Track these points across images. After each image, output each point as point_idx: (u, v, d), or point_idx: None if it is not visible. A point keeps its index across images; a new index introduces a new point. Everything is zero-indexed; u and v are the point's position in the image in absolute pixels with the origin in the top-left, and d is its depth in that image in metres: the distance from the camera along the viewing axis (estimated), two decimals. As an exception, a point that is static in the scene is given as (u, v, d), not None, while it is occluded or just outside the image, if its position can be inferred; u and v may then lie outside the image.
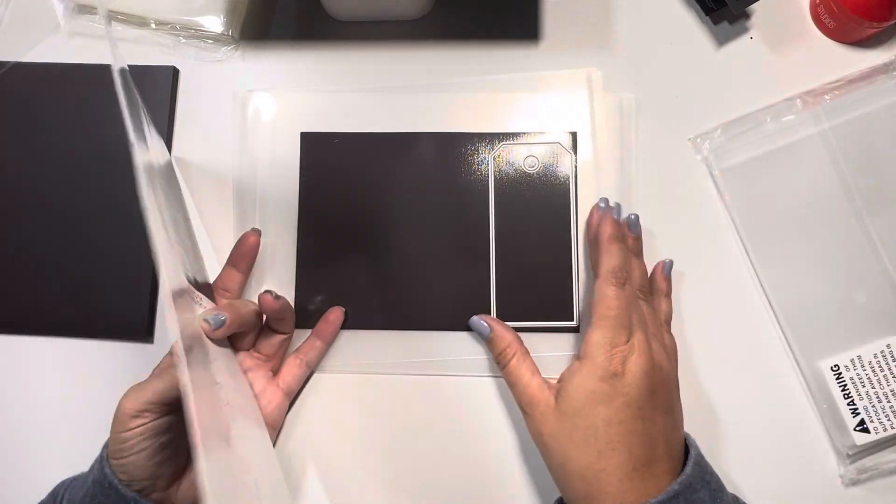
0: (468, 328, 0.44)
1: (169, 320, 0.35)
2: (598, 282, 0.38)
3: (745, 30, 0.48)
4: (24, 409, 0.46)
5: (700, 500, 0.34)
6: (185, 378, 0.31)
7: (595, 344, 0.36)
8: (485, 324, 0.43)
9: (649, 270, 0.43)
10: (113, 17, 0.49)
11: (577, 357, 0.37)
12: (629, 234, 0.43)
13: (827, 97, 0.45)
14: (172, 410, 0.37)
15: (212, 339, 0.38)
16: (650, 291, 0.42)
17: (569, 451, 0.35)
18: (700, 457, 0.36)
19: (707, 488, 0.35)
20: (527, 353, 0.41)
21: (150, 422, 0.36)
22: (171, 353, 0.38)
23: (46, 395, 0.46)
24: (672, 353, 0.40)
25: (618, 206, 0.43)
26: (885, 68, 0.46)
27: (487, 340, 0.42)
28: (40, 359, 0.46)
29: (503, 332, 0.42)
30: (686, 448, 0.37)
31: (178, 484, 0.39)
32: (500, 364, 0.41)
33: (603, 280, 0.38)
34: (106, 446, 0.38)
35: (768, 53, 0.48)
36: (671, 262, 0.43)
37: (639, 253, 0.43)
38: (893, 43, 0.47)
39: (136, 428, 0.36)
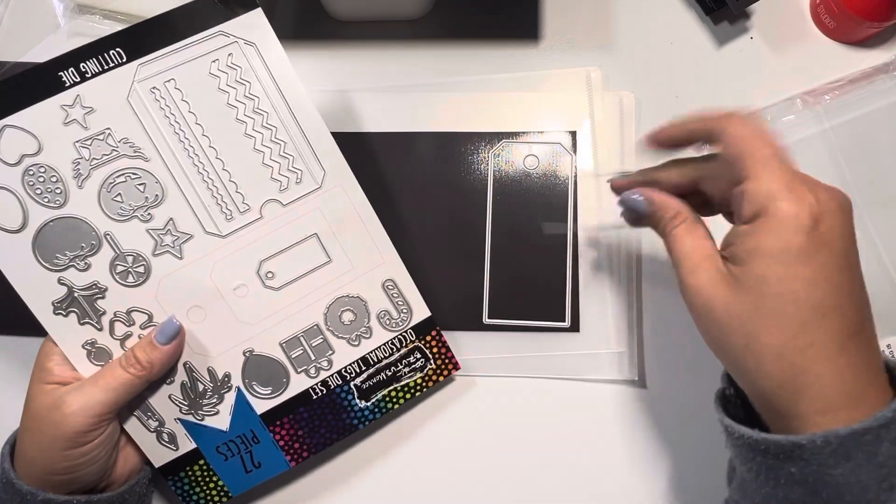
0: (467, 327, 0.44)
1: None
2: (732, 139, 0.29)
3: (745, 30, 0.48)
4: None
5: None
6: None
7: (770, 193, 0.27)
8: (639, 197, 0.34)
9: None
10: (113, 16, 0.50)
11: (743, 217, 0.28)
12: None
13: (827, 97, 0.45)
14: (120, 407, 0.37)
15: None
16: None
17: (756, 327, 0.27)
18: None
19: None
20: (699, 221, 0.32)
21: (105, 430, 0.36)
22: (122, 363, 0.37)
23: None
24: None
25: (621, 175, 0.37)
26: (885, 68, 0.46)
27: (648, 217, 0.34)
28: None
29: (667, 200, 0.33)
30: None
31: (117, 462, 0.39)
32: (664, 234, 0.33)
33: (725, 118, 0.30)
34: (8, 443, 0.37)
35: (768, 53, 0.48)
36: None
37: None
38: (894, 43, 0.47)
39: (91, 442, 0.35)
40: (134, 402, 0.38)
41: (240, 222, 0.39)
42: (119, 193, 0.37)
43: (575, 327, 0.44)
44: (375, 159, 0.47)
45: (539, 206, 0.45)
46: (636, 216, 0.35)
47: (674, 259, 0.31)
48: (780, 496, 0.27)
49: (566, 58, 0.48)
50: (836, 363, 0.26)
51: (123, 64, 0.36)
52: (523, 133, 0.46)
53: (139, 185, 0.37)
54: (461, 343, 0.44)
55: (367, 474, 0.44)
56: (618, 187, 0.37)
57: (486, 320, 0.45)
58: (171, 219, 0.38)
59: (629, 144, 0.46)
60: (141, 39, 0.36)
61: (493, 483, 0.43)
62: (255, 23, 0.37)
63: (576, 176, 0.45)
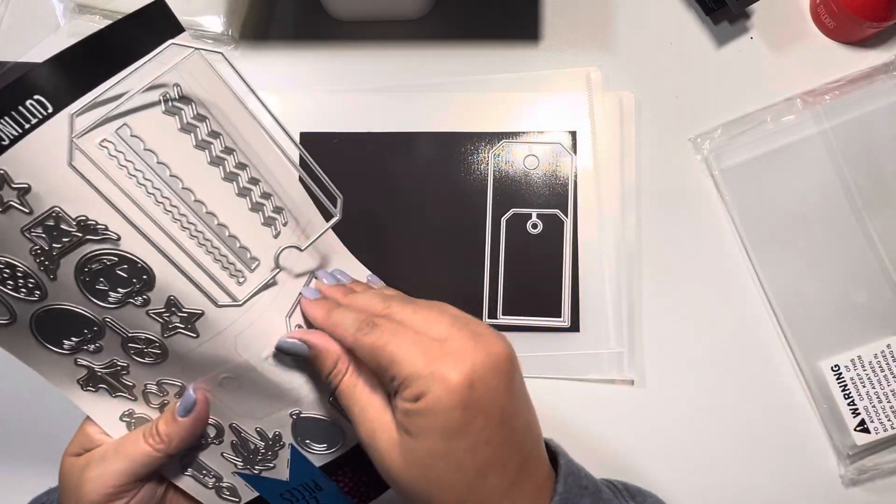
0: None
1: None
2: (354, 346, 0.30)
3: (745, 30, 0.48)
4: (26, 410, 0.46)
5: None
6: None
7: (411, 375, 0.27)
8: (297, 342, 0.32)
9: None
10: (112, 16, 0.50)
11: (403, 398, 0.28)
12: (336, 290, 0.34)
13: (827, 97, 0.45)
14: (148, 477, 0.35)
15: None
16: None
17: (430, 493, 0.28)
18: (570, 463, 0.31)
19: (586, 494, 0.30)
20: (360, 364, 0.31)
21: (130, 500, 0.34)
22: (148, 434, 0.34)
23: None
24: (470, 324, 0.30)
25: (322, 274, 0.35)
26: (885, 68, 0.45)
27: (311, 360, 0.32)
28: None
29: (327, 344, 0.31)
30: (549, 451, 0.32)
31: None
32: (331, 386, 0.31)
33: (354, 341, 0.30)
34: None
35: (768, 53, 0.48)
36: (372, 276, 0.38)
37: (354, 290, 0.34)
38: (893, 43, 0.47)
39: None
40: (186, 461, 0.36)
41: (254, 282, 0.32)
42: (101, 279, 0.29)
43: (575, 327, 0.44)
44: (375, 159, 0.46)
45: (539, 206, 0.45)
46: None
47: (349, 414, 0.31)
48: None
49: (566, 58, 0.48)
50: None
51: (50, 116, 0.26)
52: (523, 133, 0.46)
53: (120, 269, 0.29)
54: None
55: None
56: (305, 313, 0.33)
57: (486, 320, 0.45)
58: (171, 298, 0.30)
59: (629, 144, 0.46)
60: (66, 78, 0.27)
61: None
62: (183, 48, 0.29)
63: (576, 176, 0.45)
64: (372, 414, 0.30)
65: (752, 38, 0.48)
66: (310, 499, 0.38)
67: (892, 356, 0.42)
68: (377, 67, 0.49)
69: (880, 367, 0.42)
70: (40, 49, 0.50)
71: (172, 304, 0.30)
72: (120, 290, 0.29)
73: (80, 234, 0.28)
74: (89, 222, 0.28)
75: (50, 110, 0.26)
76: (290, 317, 0.33)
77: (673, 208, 0.46)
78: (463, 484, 0.28)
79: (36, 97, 0.26)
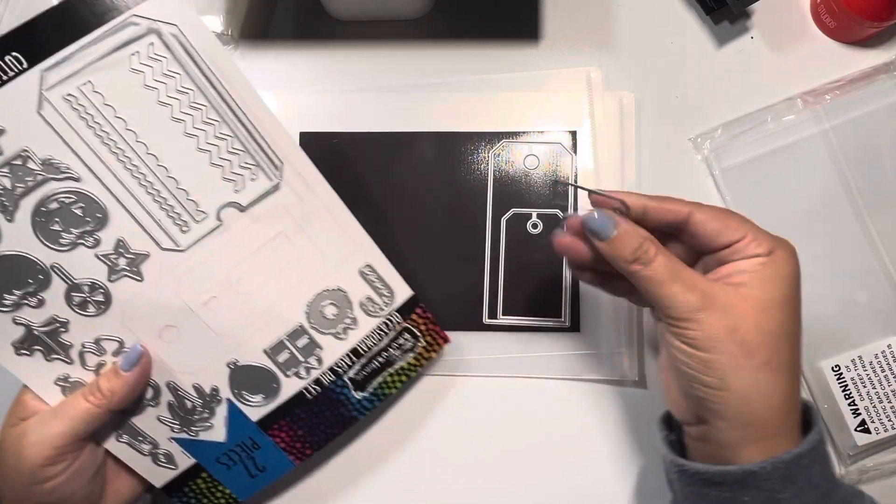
0: (467, 327, 0.44)
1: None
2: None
3: (745, 29, 0.48)
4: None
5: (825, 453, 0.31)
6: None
7: (767, 241, 0.30)
8: (606, 217, 0.31)
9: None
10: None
11: (758, 253, 0.30)
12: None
13: (828, 97, 0.45)
14: (90, 439, 0.35)
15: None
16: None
17: (776, 345, 0.29)
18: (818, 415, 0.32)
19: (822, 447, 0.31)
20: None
21: (70, 465, 0.34)
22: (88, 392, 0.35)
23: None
24: None
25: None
26: (885, 68, 0.45)
27: (611, 243, 0.31)
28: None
29: (631, 227, 0.31)
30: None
31: (105, 489, 0.37)
32: (635, 269, 0.31)
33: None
34: None
35: (769, 53, 0.47)
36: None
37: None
38: (894, 43, 0.47)
39: (54, 478, 0.33)
40: (120, 427, 0.37)
41: (198, 232, 0.36)
42: (56, 220, 0.33)
43: (575, 327, 0.44)
44: (375, 159, 0.46)
45: (539, 206, 0.45)
46: (581, 261, 0.34)
47: (654, 298, 0.31)
48: None
49: (566, 58, 0.48)
50: (781, 415, 0.29)
51: (24, 71, 0.32)
52: (523, 133, 0.46)
53: (77, 208, 0.33)
54: (461, 343, 0.44)
55: (372, 473, 0.44)
56: (596, 202, 0.34)
57: (486, 320, 0.45)
58: (120, 240, 0.34)
59: (629, 144, 0.46)
60: (40, 39, 0.31)
61: (492, 482, 0.43)
62: (171, 1, 0.32)
63: (576, 176, 0.45)
64: (696, 281, 0.30)
65: (752, 37, 0.48)
66: (247, 460, 0.39)
67: (893, 356, 0.42)
68: (377, 67, 0.49)
69: (881, 367, 0.42)
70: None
71: (120, 246, 0.34)
72: (73, 230, 0.34)
73: (43, 174, 0.33)
74: (53, 161, 0.33)
75: (25, 66, 0.32)
76: (233, 268, 0.37)
77: (673, 208, 0.46)
78: (776, 379, 0.29)
79: (14, 54, 0.31)
